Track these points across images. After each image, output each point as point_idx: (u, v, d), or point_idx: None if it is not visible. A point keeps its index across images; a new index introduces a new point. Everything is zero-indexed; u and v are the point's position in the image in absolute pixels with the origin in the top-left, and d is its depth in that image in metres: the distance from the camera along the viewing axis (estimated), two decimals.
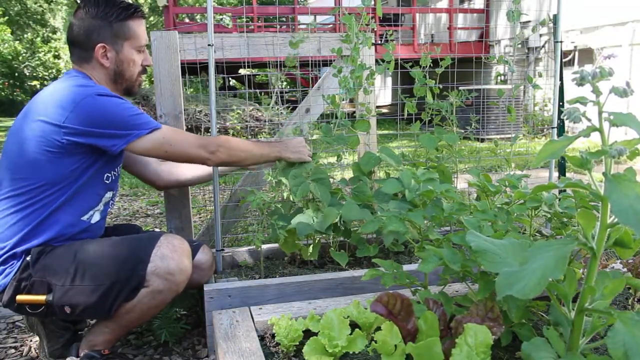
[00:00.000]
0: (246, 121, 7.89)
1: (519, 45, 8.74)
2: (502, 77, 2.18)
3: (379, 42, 2.24)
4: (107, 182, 1.62)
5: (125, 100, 1.57)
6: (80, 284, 1.45)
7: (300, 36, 2.00)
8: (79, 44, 1.59)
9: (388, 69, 2.04)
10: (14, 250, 1.49)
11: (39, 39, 18.14)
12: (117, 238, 1.57)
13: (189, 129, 7.73)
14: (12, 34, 17.70)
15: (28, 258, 1.48)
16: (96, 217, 1.62)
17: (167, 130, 1.59)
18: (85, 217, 1.58)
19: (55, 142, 1.46)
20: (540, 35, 8.60)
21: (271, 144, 1.82)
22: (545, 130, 6.54)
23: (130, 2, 1.85)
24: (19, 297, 1.47)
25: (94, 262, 1.46)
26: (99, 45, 1.57)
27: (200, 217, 3.62)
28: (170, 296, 1.51)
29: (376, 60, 2.16)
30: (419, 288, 1.50)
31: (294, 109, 2.26)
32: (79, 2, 1.66)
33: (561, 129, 2.31)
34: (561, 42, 2.26)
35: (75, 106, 1.45)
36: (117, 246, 1.51)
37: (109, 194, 1.65)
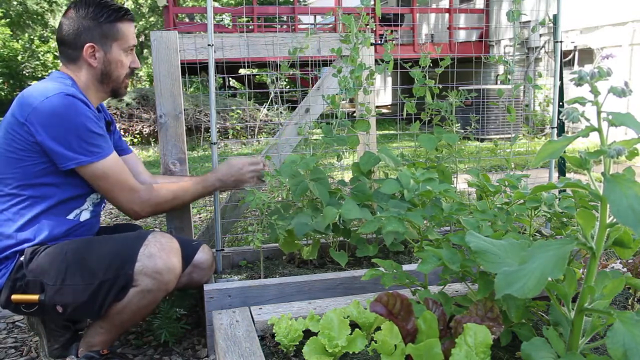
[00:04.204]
0: (246, 121, 7.89)
1: (519, 45, 8.74)
2: (508, 77, 2.17)
3: (379, 42, 2.24)
4: None
5: (92, 110, 1.53)
6: (71, 283, 1.45)
7: (308, 36, 2.02)
8: (67, 44, 1.59)
9: (387, 69, 2.04)
10: (5, 253, 1.49)
11: (37, 39, 18.11)
12: (107, 237, 1.56)
13: (188, 129, 7.73)
14: (12, 34, 17.70)
15: (22, 258, 1.48)
16: (85, 216, 1.61)
17: (110, 163, 1.54)
18: (70, 216, 1.57)
19: (22, 139, 1.46)
20: (540, 35, 8.60)
21: (206, 177, 1.78)
22: (545, 130, 6.54)
23: (124, 4, 1.85)
24: (14, 297, 1.48)
25: (83, 262, 1.46)
26: (87, 44, 1.58)
27: (200, 217, 3.62)
28: (161, 295, 1.50)
29: (376, 60, 2.16)
30: (419, 288, 1.50)
31: (293, 108, 2.26)
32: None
33: (561, 129, 2.31)
34: (561, 42, 2.26)
35: (39, 104, 1.45)
36: (106, 245, 1.50)
37: (95, 195, 1.64)
